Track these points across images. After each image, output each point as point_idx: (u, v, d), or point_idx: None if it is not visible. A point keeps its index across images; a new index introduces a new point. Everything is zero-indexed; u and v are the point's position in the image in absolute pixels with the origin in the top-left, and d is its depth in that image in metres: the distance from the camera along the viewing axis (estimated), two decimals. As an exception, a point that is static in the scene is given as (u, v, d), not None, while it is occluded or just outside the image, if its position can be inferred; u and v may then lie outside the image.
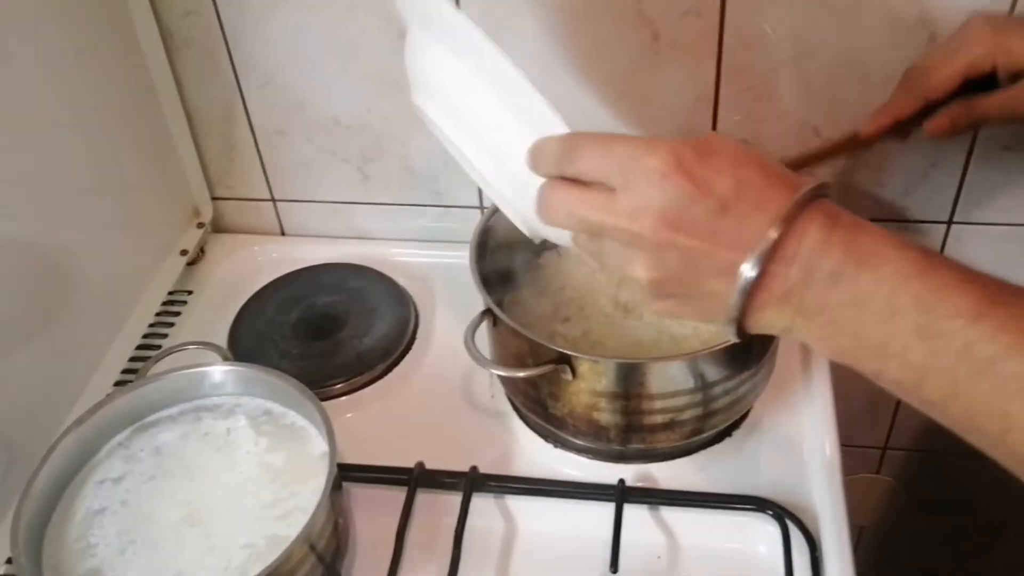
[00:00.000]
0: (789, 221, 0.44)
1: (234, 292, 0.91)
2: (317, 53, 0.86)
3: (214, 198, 0.98)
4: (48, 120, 0.74)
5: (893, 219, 0.89)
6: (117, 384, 0.80)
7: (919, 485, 1.16)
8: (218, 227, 1.01)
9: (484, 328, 0.72)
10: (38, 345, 0.73)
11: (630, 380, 0.66)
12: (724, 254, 0.46)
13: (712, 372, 0.67)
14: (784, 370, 0.78)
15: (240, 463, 0.66)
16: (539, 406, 0.71)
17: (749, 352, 0.68)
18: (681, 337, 0.74)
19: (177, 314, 0.90)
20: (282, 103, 0.90)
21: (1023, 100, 0.66)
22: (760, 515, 0.69)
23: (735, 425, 0.76)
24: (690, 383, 0.66)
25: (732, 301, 0.47)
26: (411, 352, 0.86)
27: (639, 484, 0.72)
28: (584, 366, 0.66)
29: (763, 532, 0.69)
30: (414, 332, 0.88)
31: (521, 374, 0.68)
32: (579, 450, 0.75)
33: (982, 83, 0.67)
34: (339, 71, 0.87)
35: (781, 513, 0.68)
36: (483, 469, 0.72)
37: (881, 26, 0.76)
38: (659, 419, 0.69)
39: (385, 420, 0.80)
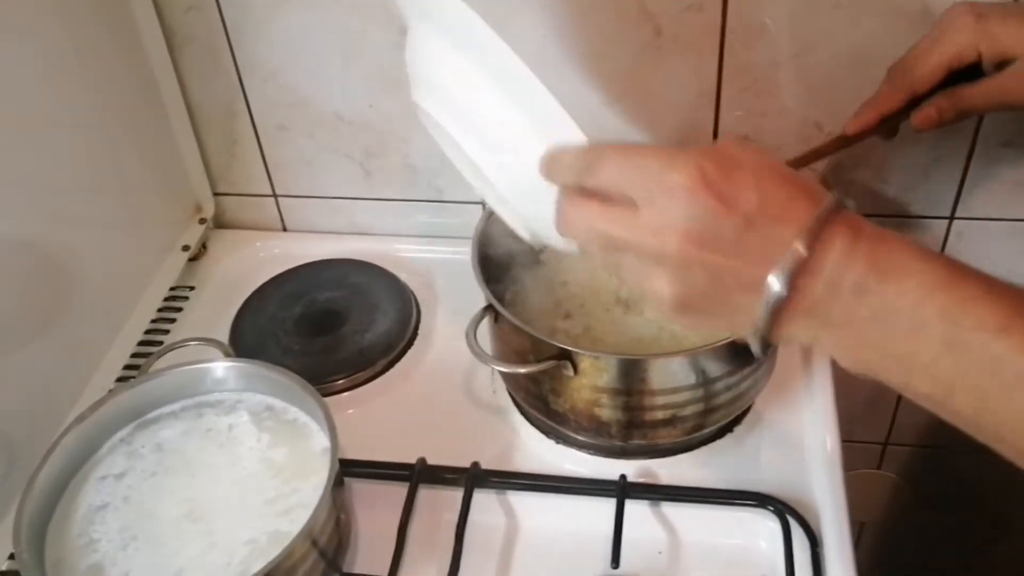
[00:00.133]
0: (814, 235, 0.44)
1: (236, 288, 0.91)
2: (319, 50, 0.86)
3: (216, 194, 0.99)
4: (49, 118, 0.74)
5: (895, 215, 0.89)
6: (119, 380, 0.80)
7: (921, 481, 1.16)
8: (220, 223, 1.01)
9: (486, 324, 0.72)
10: (40, 342, 0.74)
11: (631, 376, 0.66)
12: (750, 270, 0.45)
13: (713, 368, 0.67)
14: (785, 366, 0.78)
15: (242, 459, 0.66)
16: (540, 402, 0.71)
17: (750, 348, 0.68)
18: (682, 334, 0.74)
19: (179, 310, 0.91)
20: (284, 99, 0.90)
21: (1009, 88, 0.65)
22: (761, 511, 0.69)
23: (736, 421, 0.76)
24: (691, 379, 0.67)
25: (759, 316, 0.46)
26: (413, 348, 0.86)
27: (640, 480, 0.72)
28: (585, 362, 0.66)
29: (764, 528, 0.69)
30: (416, 328, 0.88)
31: (522, 370, 0.68)
32: (580, 446, 0.75)
33: (967, 72, 0.67)
34: (341, 67, 0.87)
35: (782, 509, 0.68)
36: (485, 465, 0.72)
37: (883, 20, 0.76)
38: (660, 415, 0.69)
39: (387, 416, 0.80)
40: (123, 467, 0.66)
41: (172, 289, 0.91)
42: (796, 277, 0.44)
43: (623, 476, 0.71)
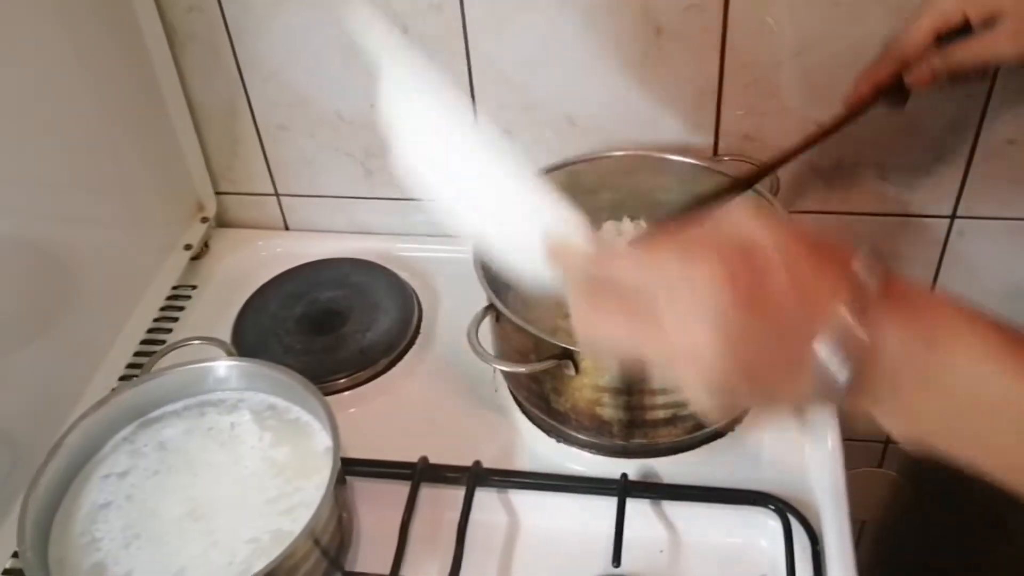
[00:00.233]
0: (855, 308, 0.40)
1: (238, 287, 0.92)
2: (320, 49, 0.86)
3: (218, 193, 0.99)
4: (50, 117, 0.74)
5: (896, 214, 0.89)
6: (122, 379, 0.80)
7: (922, 480, 1.16)
8: (222, 222, 1.01)
9: (487, 323, 0.72)
10: (42, 341, 0.74)
11: (632, 375, 0.66)
12: (787, 360, 0.42)
13: (715, 367, 0.67)
14: (787, 365, 0.78)
15: (244, 458, 0.67)
16: (542, 401, 0.71)
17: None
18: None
19: (181, 309, 0.91)
20: (285, 98, 0.91)
21: (996, 44, 0.67)
22: (762, 510, 0.69)
23: (737, 420, 0.75)
24: (693, 378, 0.66)
25: (805, 397, 0.43)
26: (414, 347, 0.86)
27: (642, 479, 0.72)
28: (587, 361, 0.66)
29: (765, 527, 0.69)
30: (417, 327, 0.88)
31: (524, 369, 0.68)
32: (582, 445, 0.75)
33: (959, 35, 0.68)
34: (342, 67, 0.87)
35: (783, 508, 0.68)
36: (486, 464, 0.72)
37: (884, 19, 0.75)
38: (661, 414, 0.69)
39: (388, 415, 0.80)
40: (126, 465, 0.67)
41: (174, 288, 0.91)
42: (843, 350, 0.40)
43: (624, 475, 0.71)
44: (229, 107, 0.92)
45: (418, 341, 0.87)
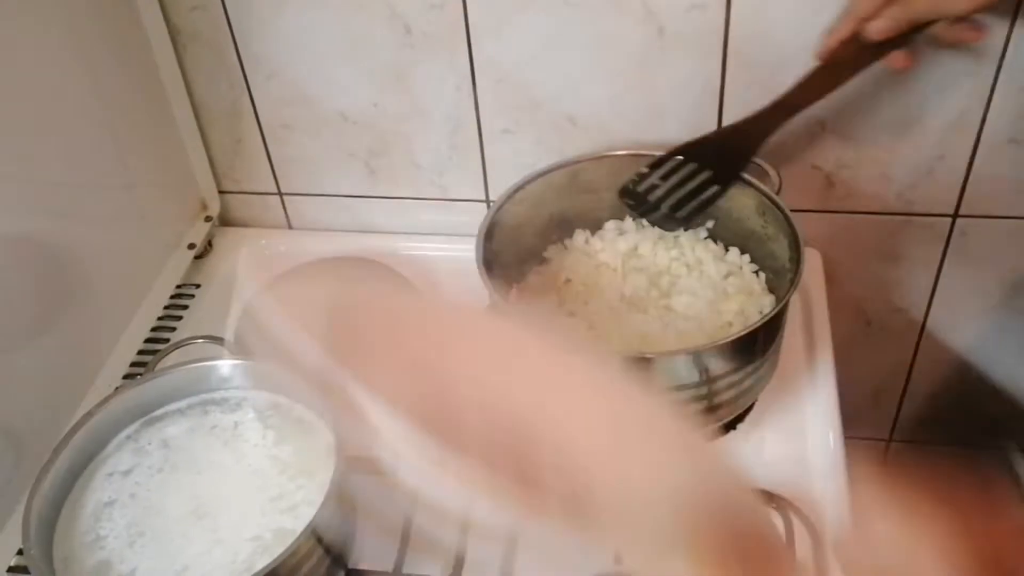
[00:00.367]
0: None
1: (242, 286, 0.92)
2: (323, 48, 0.86)
3: (221, 192, 0.99)
4: (54, 116, 0.74)
5: (898, 213, 0.89)
6: (125, 378, 0.81)
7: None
8: (225, 221, 1.01)
9: (489, 322, 0.72)
10: (46, 340, 0.74)
11: (635, 374, 0.66)
12: None
13: (717, 366, 0.67)
14: (788, 363, 0.78)
15: (247, 456, 0.67)
16: (544, 400, 0.71)
17: (753, 346, 0.69)
18: (686, 331, 0.74)
19: (185, 307, 0.91)
20: (289, 98, 0.91)
21: None
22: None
23: (740, 418, 0.76)
24: (695, 377, 0.67)
25: None
26: (417, 345, 0.86)
27: (644, 477, 0.72)
28: (589, 360, 0.66)
29: (767, 525, 0.69)
30: (420, 326, 0.88)
31: (526, 368, 0.68)
32: (584, 443, 0.75)
33: None
34: (345, 66, 0.87)
35: (785, 506, 0.68)
36: (488, 462, 0.72)
37: (886, 20, 0.76)
38: (663, 413, 0.69)
39: (391, 413, 0.80)
40: (130, 463, 0.67)
41: (178, 287, 0.91)
42: None
43: (626, 473, 0.71)
44: (232, 106, 0.92)
45: (421, 340, 0.87)
